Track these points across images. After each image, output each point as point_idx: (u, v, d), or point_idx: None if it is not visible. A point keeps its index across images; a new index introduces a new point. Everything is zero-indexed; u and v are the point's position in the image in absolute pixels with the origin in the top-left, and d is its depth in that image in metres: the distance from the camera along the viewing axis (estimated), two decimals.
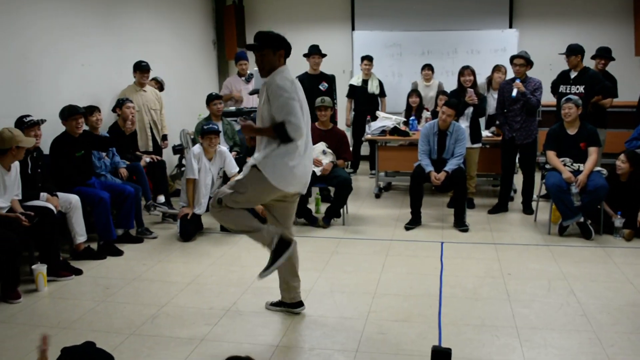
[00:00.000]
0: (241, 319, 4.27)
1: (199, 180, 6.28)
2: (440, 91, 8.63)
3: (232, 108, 8.52)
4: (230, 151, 7.09)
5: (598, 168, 6.32)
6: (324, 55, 8.14)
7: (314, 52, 8.04)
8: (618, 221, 6.10)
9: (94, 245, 5.78)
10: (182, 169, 8.41)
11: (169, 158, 8.37)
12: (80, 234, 5.56)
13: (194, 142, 7.35)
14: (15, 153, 4.90)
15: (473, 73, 7.25)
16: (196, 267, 5.38)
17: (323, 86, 7.97)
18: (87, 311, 4.43)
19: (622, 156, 6.26)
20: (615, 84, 7.44)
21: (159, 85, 8.12)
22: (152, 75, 7.78)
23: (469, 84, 7.20)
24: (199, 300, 4.62)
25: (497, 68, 8.05)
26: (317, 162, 6.69)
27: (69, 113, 5.85)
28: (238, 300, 4.60)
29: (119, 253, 5.75)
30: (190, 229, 6.25)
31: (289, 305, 4.37)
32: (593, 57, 7.42)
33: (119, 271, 5.32)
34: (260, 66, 4.02)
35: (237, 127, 7.89)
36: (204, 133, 6.30)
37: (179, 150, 8.40)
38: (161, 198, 6.87)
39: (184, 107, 9.07)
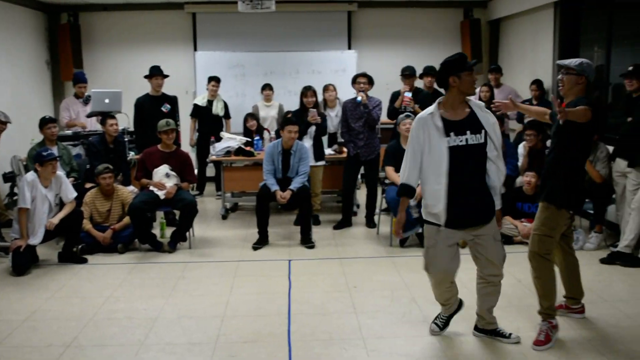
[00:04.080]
0: (83, 355, 4.06)
1: (35, 208, 5.91)
2: (288, 112, 8.71)
3: (69, 132, 8.12)
4: (68, 177, 6.74)
5: None
6: (166, 76, 7.97)
7: (156, 73, 7.83)
8: None
9: None
10: (15, 197, 7.89)
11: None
12: None
13: (27, 169, 6.90)
14: None
15: (315, 93, 7.43)
16: (32, 303, 5.03)
17: (165, 107, 7.75)
18: None
19: None
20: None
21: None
22: None
23: (311, 104, 7.36)
24: (35, 338, 4.32)
25: (326, 87, 8.33)
26: (160, 186, 6.54)
27: None
28: (79, 335, 4.36)
29: None
30: (24, 262, 5.83)
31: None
32: (420, 76, 7.87)
33: None
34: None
35: (74, 152, 7.53)
36: (44, 160, 5.94)
37: (10, 178, 7.85)
38: None
39: (16, 131, 8.48)
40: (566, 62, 4.12)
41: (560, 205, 4.08)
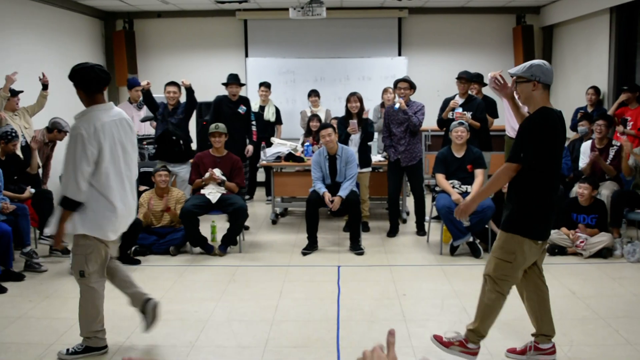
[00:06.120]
0: (135, 354, 4.13)
1: None
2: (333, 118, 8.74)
3: None
4: None
5: None
6: (243, 85, 7.88)
7: (231, 82, 7.76)
8: None
9: None
10: None
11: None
12: None
13: None
14: None
15: (360, 100, 7.40)
16: None
17: (242, 109, 7.71)
18: None
19: None
20: (495, 106, 7.87)
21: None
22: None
23: (355, 110, 7.34)
24: None
25: (385, 90, 8.33)
26: (213, 178, 6.62)
27: None
28: (131, 335, 4.44)
29: (2, 290, 5.41)
30: None
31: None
32: None
33: (2, 310, 5.01)
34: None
35: None
36: None
37: None
38: (48, 230, 6.50)
39: None
40: (516, 69, 3.88)
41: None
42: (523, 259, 3.77)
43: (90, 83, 3.89)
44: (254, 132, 7.71)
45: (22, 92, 7.04)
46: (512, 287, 3.90)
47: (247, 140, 7.82)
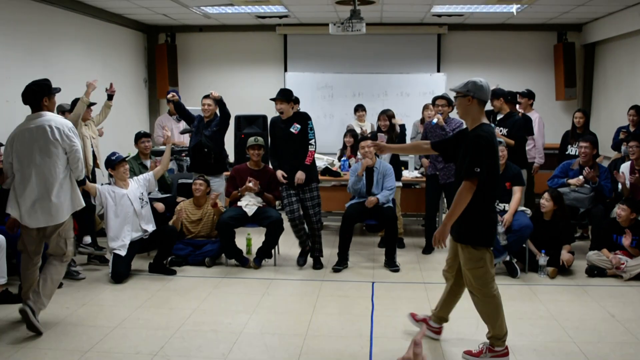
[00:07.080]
0: None
1: (120, 211, 6.19)
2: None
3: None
4: (159, 190, 7.02)
5: (522, 208, 6.52)
6: (290, 101, 6.69)
7: (276, 98, 6.67)
8: (542, 259, 6.27)
9: (13, 289, 5.53)
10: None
11: None
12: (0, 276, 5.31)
13: None
14: None
15: (388, 117, 7.46)
16: (123, 310, 5.21)
17: (295, 128, 6.57)
18: (5, 359, 4.22)
19: (546, 194, 6.47)
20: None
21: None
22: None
23: (385, 129, 7.39)
24: (124, 345, 4.47)
25: (426, 106, 8.31)
26: (250, 188, 6.68)
27: None
28: (165, 345, 4.47)
29: None
30: (124, 271, 6.08)
31: None
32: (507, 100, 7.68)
33: (40, 315, 5.09)
34: None
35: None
36: (115, 164, 6.29)
37: None
38: (87, 239, 6.62)
39: (114, 145, 8.87)
40: (456, 85, 4.12)
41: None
42: (491, 260, 4.12)
43: (23, 98, 4.64)
44: (309, 153, 6.56)
45: (95, 103, 7.10)
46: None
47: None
